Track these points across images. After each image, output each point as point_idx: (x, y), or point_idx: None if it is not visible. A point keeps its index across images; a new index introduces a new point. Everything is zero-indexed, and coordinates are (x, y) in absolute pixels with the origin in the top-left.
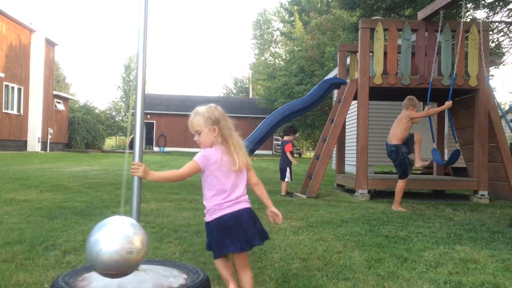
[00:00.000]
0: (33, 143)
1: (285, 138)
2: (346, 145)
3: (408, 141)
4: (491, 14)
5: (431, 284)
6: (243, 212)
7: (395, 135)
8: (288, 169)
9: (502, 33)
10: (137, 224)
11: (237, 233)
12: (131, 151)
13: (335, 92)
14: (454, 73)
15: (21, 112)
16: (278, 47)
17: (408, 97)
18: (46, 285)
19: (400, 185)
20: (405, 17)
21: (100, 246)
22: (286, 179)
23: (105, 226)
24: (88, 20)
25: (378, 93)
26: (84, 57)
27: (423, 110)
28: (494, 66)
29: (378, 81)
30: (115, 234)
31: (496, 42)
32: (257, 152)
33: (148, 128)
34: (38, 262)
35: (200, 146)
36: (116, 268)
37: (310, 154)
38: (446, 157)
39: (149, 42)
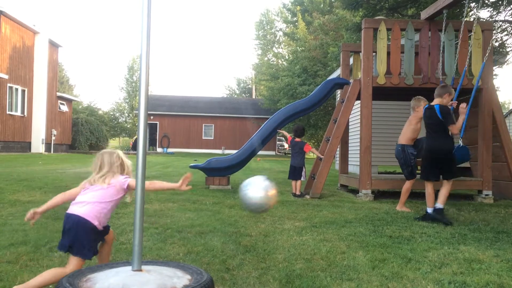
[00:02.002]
0: (37, 145)
1: (297, 139)
2: (349, 145)
3: (418, 146)
4: (494, 13)
5: (436, 284)
6: None
7: (404, 135)
8: (304, 168)
9: (505, 32)
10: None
11: None
12: (134, 152)
13: (338, 92)
14: (454, 73)
15: (25, 113)
16: (281, 48)
17: (414, 98)
18: (50, 286)
19: (407, 186)
20: (408, 17)
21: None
22: (302, 178)
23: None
24: (91, 22)
25: (381, 93)
26: (88, 59)
27: None
28: (497, 66)
29: (381, 81)
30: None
31: (500, 42)
32: (260, 152)
33: (151, 129)
34: (42, 263)
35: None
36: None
37: (313, 155)
38: None
39: (152, 43)
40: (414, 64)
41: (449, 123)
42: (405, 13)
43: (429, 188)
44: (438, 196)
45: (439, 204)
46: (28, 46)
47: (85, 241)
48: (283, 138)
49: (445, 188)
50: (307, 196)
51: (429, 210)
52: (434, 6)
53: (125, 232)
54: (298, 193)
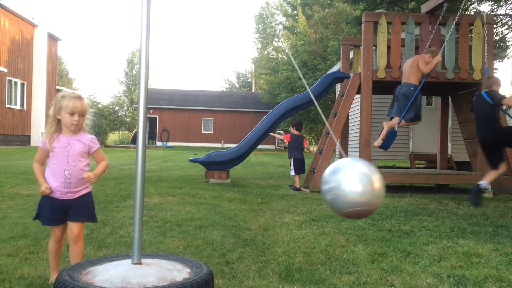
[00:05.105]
0: (37, 138)
1: (297, 133)
2: (349, 139)
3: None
4: (495, 7)
5: (435, 278)
6: None
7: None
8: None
9: (506, 26)
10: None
11: None
12: (134, 145)
13: (338, 86)
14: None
15: (24, 107)
16: (281, 41)
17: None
18: (50, 279)
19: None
20: (408, 11)
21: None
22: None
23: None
24: (91, 15)
25: (381, 87)
26: (87, 52)
27: (426, 104)
28: (498, 60)
29: (381, 75)
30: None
31: (501, 35)
32: (259, 146)
33: (151, 122)
34: (42, 256)
35: (77, 128)
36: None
37: (313, 149)
38: (450, 151)
39: (152, 37)
40: None
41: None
42: (406, 6)
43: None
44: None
45: (483, 182)
46: (27, 39)
47: (38, 205)
48: (282, 132)
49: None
50: (307, 190)
51: (482, 182)
52: (435, 0)
53: (124, 225)
54: (299, 186)
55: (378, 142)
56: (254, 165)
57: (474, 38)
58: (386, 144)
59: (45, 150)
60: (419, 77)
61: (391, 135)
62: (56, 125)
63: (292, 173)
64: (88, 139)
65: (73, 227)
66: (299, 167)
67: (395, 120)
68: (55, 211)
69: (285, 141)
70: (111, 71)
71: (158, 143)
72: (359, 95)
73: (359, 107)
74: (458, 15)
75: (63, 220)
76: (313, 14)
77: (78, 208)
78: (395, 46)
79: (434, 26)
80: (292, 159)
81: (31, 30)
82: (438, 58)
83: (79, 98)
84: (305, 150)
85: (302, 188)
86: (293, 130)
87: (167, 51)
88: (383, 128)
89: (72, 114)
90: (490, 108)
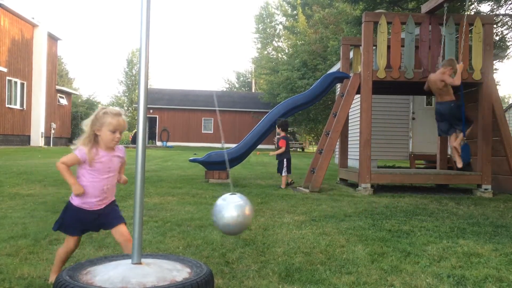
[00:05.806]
0: (37, 138)
1: (284, 133)
2: (349, 139)
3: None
4: (495, 7)
5: (434, 278)
6: None
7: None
8: None
9: (506, 26)
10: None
11: None
12: (134, 145)
13: (338, 86)
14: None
15: (24, 107)
16: (281, 41)
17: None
18: (50, 279)
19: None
20: (408, 10)
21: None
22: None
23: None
24: (91, 15)
25: (381, 87)
26: (87, 52)
27: (426, 104)
28: (498, 60)
29: (381, 75)
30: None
31: (501, 36)
32: (259, 146)
33: (150, 122)
34: (42, 256)
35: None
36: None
37: (312, 149)
38: (449, 151)
39: (151, 37)
40: (415, 58)
41: None
42: (406, 6)
43: None
44: None
45: None
46: (27, 39)
47: (61, 214)
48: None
49: None
50: (307, 190)
51: None
52: (435, 0)
53: None
54: (284, 186)
55: (459, 163)
56: (254, 165)
57: (474, 38)
58: (466, 159)
59: (79, 160)
60: (452, 92)
61: (465, 149)
62: (93, 140)
63: (284, 173)
64: (122, 150)
65: (122, 229)
66: (288, 167)
67: (455, 138)
68: (82, 221)
69: (283, 148)
70: (111, 71)
71: (158, 143)
72: (359, 95)
73: (359, 107)
74: (465, 17)
75: (94, 227)
76: (313, 14)
77: (112, 212)
78: (395, 46)
79: (434, 26)
80: (285, 159)
81: (31, 30)
82: (461, 65)
83: (121, 115)
84: (312, 149)
85: (299, 188)
86: (279, 130)
87: (167, 51)
88: (452, 149)
89: (114, 131)
90: None
